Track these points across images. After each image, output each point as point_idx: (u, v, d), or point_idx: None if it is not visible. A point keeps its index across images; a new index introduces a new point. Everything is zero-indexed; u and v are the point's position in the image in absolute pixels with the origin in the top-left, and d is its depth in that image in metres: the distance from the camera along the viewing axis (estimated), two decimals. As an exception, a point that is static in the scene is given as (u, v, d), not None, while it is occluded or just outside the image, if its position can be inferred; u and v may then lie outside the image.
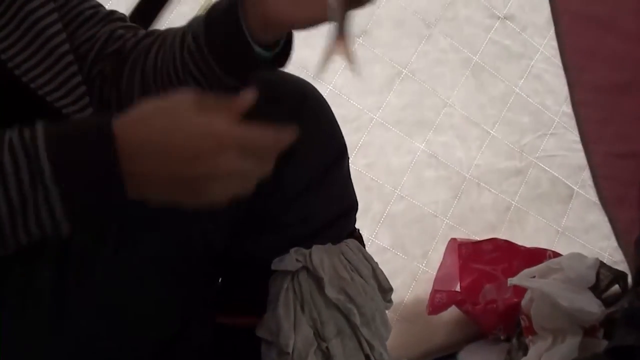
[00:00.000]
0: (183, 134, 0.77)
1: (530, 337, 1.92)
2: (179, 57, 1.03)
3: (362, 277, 1.15)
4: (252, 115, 1.13)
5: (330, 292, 1.08)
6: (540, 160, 2.37)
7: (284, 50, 1.05)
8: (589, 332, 1.86)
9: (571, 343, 1.81)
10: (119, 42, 1.12)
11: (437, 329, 2.14)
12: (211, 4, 1.01)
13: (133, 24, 1.18)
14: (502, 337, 2.09)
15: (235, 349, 1.23)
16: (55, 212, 0.76)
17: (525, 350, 1.91)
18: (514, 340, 1.99)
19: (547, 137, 2.38)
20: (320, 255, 1.10)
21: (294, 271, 1.10)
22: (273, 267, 1.09)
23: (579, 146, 2.42)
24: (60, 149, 0.76)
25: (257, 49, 0.99)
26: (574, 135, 2.41)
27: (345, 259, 1.14)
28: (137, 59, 1.09)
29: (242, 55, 0.99)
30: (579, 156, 2.41)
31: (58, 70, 1.01)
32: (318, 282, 1.09)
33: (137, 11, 1.91)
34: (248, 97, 0.83)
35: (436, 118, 2.24)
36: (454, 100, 2.25)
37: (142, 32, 1.15)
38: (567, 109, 2.40)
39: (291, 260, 1.09)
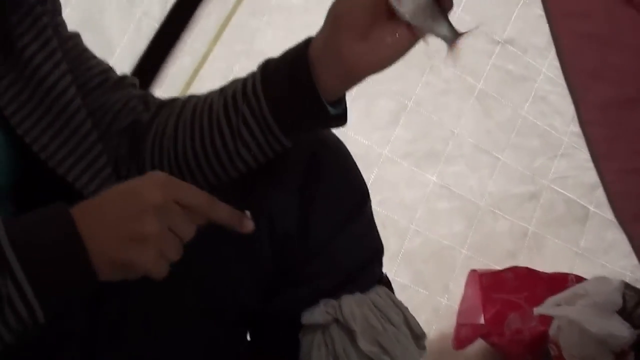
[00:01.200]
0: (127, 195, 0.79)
1: (560, 366, 1.89)
2: (225, 123, 0.99)
3: (393, 325, 1.12)
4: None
5: (364, 344, 1.05)
6: (553, 182, 2.35)
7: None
8: (620, 356, 1.83)
9: (603, 369, 1.78)
10: (133, 114, 1.09)
11: (464, 364, 2.11)
12: (265, 63, 0.98)
13: (145, 92, 1.14)
14: (531, 368, 2.06)
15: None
16: (28, 299, 0.76)
17: (556, 380, 1.88)
18: (544, 370, 1.96)
19: (558, 158, 2.36)
20: (351, 306, 1.07)
21: (325, 324, 1.07)
22: (303, 321, 1.06)
23: (591, 165, 2.39)
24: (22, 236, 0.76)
25: (330, 107, 0.96)
26: (585, 154, 2.38)
27: (376, 307, 1.11)
28: (157, 140, 1.07)
29: (313, 114, 0.96)
30: (592, 175, 2.39)
31: (82, 153, 0.99)
32: (350, 334, 1.06)
33: (140, 65, 1.91)
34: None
35: (445, 148, 2.22)
36: (461, 129, 2.23)
37: (154, 101, 1.12)
38: (576, 128, 2.37)
39: (321, 312, 1.06)
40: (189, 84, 1.98)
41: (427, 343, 2.04)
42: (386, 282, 1.18)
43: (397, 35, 0.90)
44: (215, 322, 1.07)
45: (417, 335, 1.14)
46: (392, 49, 0.92)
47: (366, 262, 1.15)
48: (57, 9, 1.05)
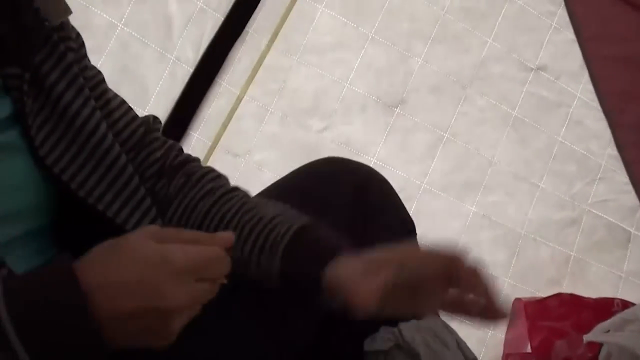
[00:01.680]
0: (138, 267, 0.72)
1: (613, 392, 1.86)
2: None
3: (449, 349, 1.12)
4: (317, 195, 1.13)
5: (428, 366, 1.05)
6: (592, 206, 2.33)
7: None
8: (674, 379, 1.80)
9: (657, 393, 1.75)
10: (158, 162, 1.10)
11: (514, 394, 2.08)
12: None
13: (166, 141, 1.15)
14: (583, 396, 2.03)
15: None
16: None
17: (610, 406, 1.85)
18: (597, 398, 1.93)
19: (597, 182, 2.35)
20: (411, 331, 1.08)
21: (387, 350, 1.07)
22: (366, 348, 1.07)
23: (630, 187, 2.38)
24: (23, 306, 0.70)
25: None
26: (623, 177, 2.37)
27: (433, 332, 1.12)
28: (184, 212, 1.07)
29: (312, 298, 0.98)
30: (631, 197, 2.37)
31: (119, 187, 0.99)
32: (413, 358, 1.06)
33: (176, 110, 1.93)
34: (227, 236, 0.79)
35: (483, 178, 2.22)
36: (498, 158, 2.23)
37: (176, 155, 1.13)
38: (613, 151, 2.37)
39: (383, 339, 1.07)
40: (225, 125, 2.00)
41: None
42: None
43: None
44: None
45: (470, 359, 1.15)
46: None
47: None
48: (80, 44, 1.05)
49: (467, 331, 2.06)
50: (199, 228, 1.04)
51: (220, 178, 1.11)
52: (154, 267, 0.71)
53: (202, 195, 1.06)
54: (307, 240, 0.98)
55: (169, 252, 0.72)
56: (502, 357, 2.02)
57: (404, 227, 1.18)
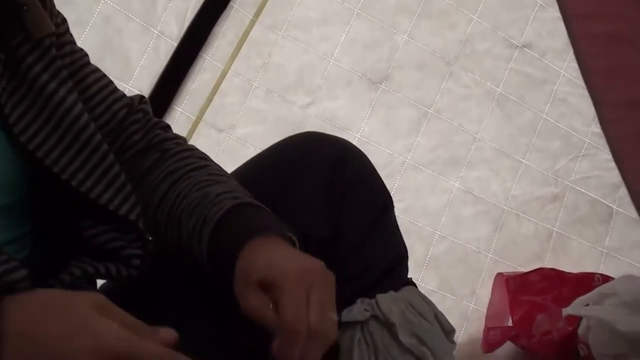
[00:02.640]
0: (66, 331, 0.69)
1: (591, 365, 1.89)
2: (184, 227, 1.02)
3: (427, 320, 1.14)
4: (294, 168, 1.14)
5: (403, 337, 1.07)
6: (575, 183, 2.35)
7: None
8: (651, 354, 1.83)
9: (634, 367, 1.78)
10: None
11: (494, 367, 2.11)
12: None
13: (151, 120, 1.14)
14: (561, 368, 2.05)
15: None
16: None
17: (588, 379, 1.88)
18: (575, 370, 1.96)
19: (580, 159, 2.36)
20: (387, 303, 1.09)
21: (363, 321, 1.08)
22: (343, 319, 1.08)
23: (613, 164, 2.39)
24: None
25: None
26: (606, 154, 2.39)
27: (410, 304, 1.13)
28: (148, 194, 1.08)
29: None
30: (614, 174, 2.39)
31: (94, 162, 0.99)
32: (389, 328, 1.08)
33: (160, 84, 1.93)
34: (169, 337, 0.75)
35: (467, 154, 2.23)
36: (482, 134, 2.24)
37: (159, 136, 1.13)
38: (596, 128, 2.38)
39: (359, 310, 1.08)
40: (209, 99, 2.00)
41: (456, 348, 2.05)
42: (412, 284, 1.21)
43: None
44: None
45: (447, 331, 1.16)
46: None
47: (395, 263, 1.19)
48: (65, 29, 1.05)
49: (449, 305, 2.10)
50: (157, 208, 1.05)
51: (192, 156, 1.11)
52: (81, 339, 0.68)
53: (165, 175, 1.07)
54: (232, 223, 0.97)
55: (103, 329, 0.69)
56: (483, 331, 2.03)
57: (380, 201, 1.19)
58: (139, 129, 1.11)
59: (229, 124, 2.00)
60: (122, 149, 1.10)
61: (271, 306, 0.89)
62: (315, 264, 0.94)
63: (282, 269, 0.90)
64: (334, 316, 0.91)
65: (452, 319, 1.98)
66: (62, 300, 0.73)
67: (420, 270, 2.08)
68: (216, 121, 1.99)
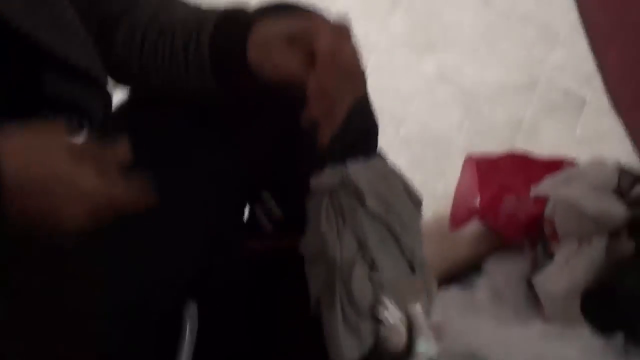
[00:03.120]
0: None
1: (555, 243, 1.93)
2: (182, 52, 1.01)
3: (395, 190, 1.16)
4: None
5: (371, 204, 1.09)
6: (550, 71, 2.35)
7: None
8: (614, 235, 1.86)
9: (598, 246, 1.81)
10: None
11: (460, 244, 2.14)
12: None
13: None
14: (526, 246, 2.10)
15: (273, 272, 1.24)
16: None
17: (551, 256, 1.92)
18: (539, 248, 2.00)
19: (556, 47, 2.36)
20: (357, 170, 1.11)
21: (332, 188, 1.10)
22: (311, 185, 1.10)
23: (588, 54, 2.39)
24: None
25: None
26: (583, 43, 2.38)
27: (379, 173, 1.15)
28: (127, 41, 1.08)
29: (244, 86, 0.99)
30: (589, 64, 2.39)
31: (55, 17, 0.98)
32: (358, 195, 1.10)
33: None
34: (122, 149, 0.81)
35: (442, 37, 2.22)
36: (460, 18, 2.23)
37: None
38: (574, 17, 2.37)
39: (328, 176, 1.10)
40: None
41: (424, 226, 2.09)
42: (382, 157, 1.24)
43: None
44: (214, 188, 1.10)
45: (415, 202, 1.19)
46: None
47: (367, 133, 1.20)
48: None
49: (418, 184, 2.10)
50: (148, 25, 1.06)
51: None
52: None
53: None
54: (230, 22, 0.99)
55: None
56: (451, 210, 2.07)
57: None
58: None
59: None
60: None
61: None
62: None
63: (311, 22, 0.93)
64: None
65: (420, 199, 2.02)
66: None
67: (390, 151, 2.09)
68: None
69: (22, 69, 0.98)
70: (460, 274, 2.13)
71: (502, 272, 2.06)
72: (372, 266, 1.09)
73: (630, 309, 1.44)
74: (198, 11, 1.04)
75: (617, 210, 1.79)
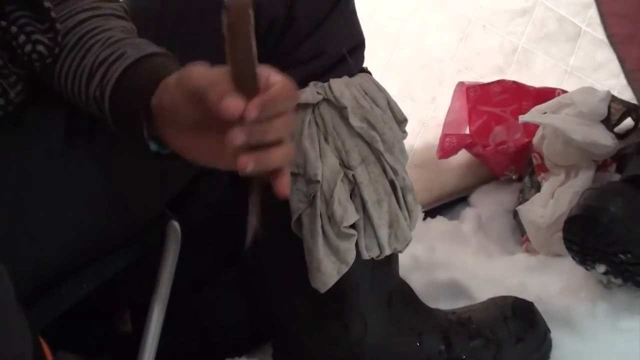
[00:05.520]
0: None
1: (542, 174, 1.92)
2: (84, 93, 0.98)
3: (379, 107, 1.14)
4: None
5: (354, 120, 1.07)
6: (546, -2, 2.31)
7: None
8: (601, 166, 1.86)
9: (584, 177, 1.81)
10: None
11: (448, 173, 2.14)
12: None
13: None
14: (513, 177, 2.09)
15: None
16: None
17: (537, 188, 1.91)
18: (526, 179, 1.99)
19: (553, -27, 2.32)
20: (340, 87, 1.09)
21: (315, 104, 1.08)
22: (295, 100, 1.08)
23: (585, -19, 2.36)
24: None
25: (154, 146, 0.93)
26: (580, -29, 2.34)
27: (363, 90, 1.13)
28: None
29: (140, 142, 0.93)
30: (586, -8, 2.36)
31: None
32: (340, 112, 1.08)
33: None
34: None
35: (439, -41, 2.17)
36: (457, -60, 2.18)
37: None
38: (572, -56, 2.33)
39: (312, 92, 1.08)
40: None
41: (412, 153, 2.09)
42: (368, 73, 1.21)
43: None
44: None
45: (399, 120, 1.17)
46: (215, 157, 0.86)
47: (351, 50, 1.19)
48: None
49: (408, 110, 2.06)
50: (69, 31, 1.02)
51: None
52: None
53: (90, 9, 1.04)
54: (125, 89, 0.94)
55: None
56: (440, 138, 2.05)
57: None
58: None
59: None
60: None
61: None
62: None
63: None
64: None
65: (410, 124, 1.99)
66: None
67: (382, 75, 2.06)
68: None
69: None
70: (447, 204, 2.14)
71: (488, 203, 2.07)
72: (353, 184, 1.08)
73: (612, 236, 1.43)
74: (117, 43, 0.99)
75: (605, 141, 1.78)
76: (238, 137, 0.75)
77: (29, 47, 0.94)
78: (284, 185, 0.81)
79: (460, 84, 2.12)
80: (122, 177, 1.09)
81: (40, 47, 0.95)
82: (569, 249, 1.54)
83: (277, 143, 0.78)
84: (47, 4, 0.95)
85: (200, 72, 0.80)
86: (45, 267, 1.04)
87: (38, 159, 1.02)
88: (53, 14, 0.96)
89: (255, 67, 0.76)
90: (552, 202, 1.79)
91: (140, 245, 1.23)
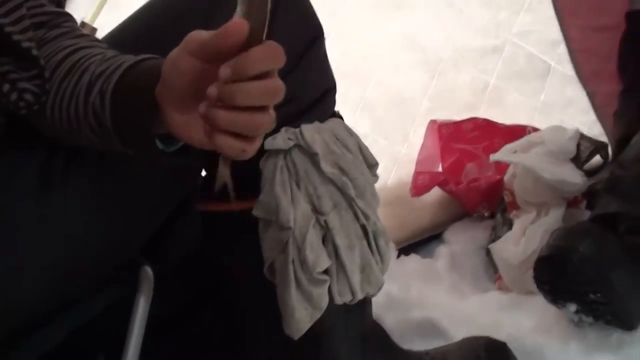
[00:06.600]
0: None
1: (514, 212, 1.94)
2: (82, 109, 0.96)
3: (350, 152, 1.14)
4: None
5: (325, 166, 1.08)
6: (516, 36, 2.34)
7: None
8: (571, 203, 1.88)
9: (555, 214, 1.82)
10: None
11: (421, 211, 2.15)
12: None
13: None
14: (486, 215, 2.11)
15: (227, 233, 1.22)
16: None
17: (509, 225, 1.93)
18: (498, 216, 2.01)
19: (523, 12, 2.35)
20: (311, 132, 1.09)
21: (286, 149, 1.08)
22: (266, 146, 1.08)
23: (554, 20, 2.38)
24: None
25: (161, 145, 0.92)
26: (549, 10, 2.37)
27: (334, 135, 1.14)
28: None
29: (146, 147, 0.92)
30: (555, 30, 2.38)
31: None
32: (312, 158, 1.08)
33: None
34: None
35: (409, -1, 2.20)
36: (426, -21, 2.21)
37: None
38: (540, -18, 2.36)
39: (283, 138, 1.08)
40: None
41: (385, 190, 2.09)
42: (339, 117, 1.22)
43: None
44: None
45: (371, 164, 1.17)
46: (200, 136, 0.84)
47: (322, 95, 1.19)
48: None
49: (381, 148, 2.12)
50: (60, 62, 1.00)
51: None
52: None
53: (76, 41, 1.03)
54: (128, 84, 0.92)
55: None
56: (413, 175, 2.06)
57: (311, 30, 1.17)
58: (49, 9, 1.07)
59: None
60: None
61: None
62: None
63: None
64: None
65: (383, 162, 2.03)
66: None
67: (354, 113, 2.09)
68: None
69: None
70: (421, 241, 2.15)
71: (461, 240, 2.08)
72: (326, 230, 1.08)
73: (582, 276, 1.44)
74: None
75: (575, 179, 1.80)
76: (213, 91, 0.75)
77: (14, 96, 0.93)
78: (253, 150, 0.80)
79: (433, 121, 2.14)
80: (98, 216, 1.09)
81: (28, 95, 0.95)
82: (540, 288, 1.55)
83: (255, 109, 0.77)
84: (34, 52, 0.95)
85: (203, 32, 0.80)
86: (17, 309, 1.04)
87: (13, 199, 1.01)
88: (42, 62, 0.95)
89: (265, 24, 0.76)
90: (524, 240, 1.80)
91: (113, 290, 1.22)
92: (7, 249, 1.00)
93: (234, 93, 0.74)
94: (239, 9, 0.75)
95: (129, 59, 0.94)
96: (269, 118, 0.78)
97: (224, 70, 0.74)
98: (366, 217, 1.12)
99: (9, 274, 1.00)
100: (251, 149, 0.79)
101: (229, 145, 0.77)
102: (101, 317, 1.20)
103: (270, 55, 0.76)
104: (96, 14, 1.79)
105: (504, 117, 2.25)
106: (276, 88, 0.78)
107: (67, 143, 1.02)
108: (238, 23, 0.74)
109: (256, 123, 0.77)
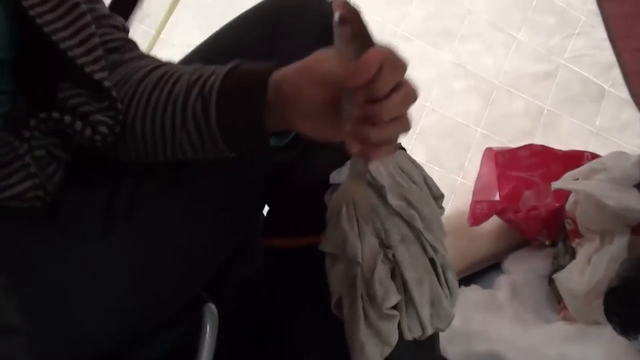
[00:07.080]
0: None
1: (576, 240, 1.89)
2: (179, 115, 0.96)
3: (416, 184, 1.12)
4: (280, 27, 1.10)
5: (392, 199, 1.05)
6: (569, 61, 2.32)
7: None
8: (636, 230, 1.83)
9: (620, 242, 1.78)
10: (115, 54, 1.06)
11: (480, 241, 2.11)
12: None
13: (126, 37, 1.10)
14: (546, 243, 2.06)
15: (293, 270, 1.20)
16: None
17: (572, 253, 1.88)
18: (560, 245, 1.96)
19: (574, 37, 2.32)
20: (377, 166, 1.07)
21: (352, 183, 1.06)
22: (331, 180, 1.06)
23: (607, 44, 2.36)
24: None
25: (273, 142, 0.94)
26: (601, 33, 2.35)
27: (399, 167, 1.11)
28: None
29: (255, 144, 0.93)
30: (608, 54, 2.36)
31: (71, 20, 0.96)
32: (378, 191, 1.06)
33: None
34: None
35: (460, 26, 2.18)
36: (477, 7, 2.19)
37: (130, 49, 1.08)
38: (593, 6, 2.33)
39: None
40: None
41: (443, 220, 2.06)
42: (403, 149, 1.19)
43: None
44: (233, 188, 1.06)
45: (436, 196, 1.15)
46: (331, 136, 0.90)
47: None
48: None
49: (437, 178, 2.07)
50: (140, 82, 1.01)
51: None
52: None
53: (151, 61, 1.03)
54: (234, 81, 0.93)
55: None
56: (470, 205, 2.03)
57: None
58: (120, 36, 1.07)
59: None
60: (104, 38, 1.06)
61: None
62: None
63: None
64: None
65: (439, 192, 1.99)
66: None
67: (409, 143, 2.07)
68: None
69: (40, 72, 0.95)
70: (480, 271, 2.11)
71: (522, 270, 2.04)
72: (394, 264, 1.05)
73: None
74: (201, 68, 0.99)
75: (639, 205, 1.75)
76: (357, 112, 0.81)
77: (88, 132, 0.93)
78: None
79: (488, 149, 2.11)
80: (161, 256, 1.08)
81: (102, 128, 0.94)
82: (610, 320, 1.50)
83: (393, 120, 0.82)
84: (106, 84, 0.95)
85: (326, 60, 0.85)
86: (81, 352, 1.03)
87: (76, 244, 1.01)
88: (114, 93, 0.95)
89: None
90: (589, 269, 1.76)
91: (175, 330, 1.20)
92: (73, 292, 0.99)
93: (379, 113, 0.80)
94: (351, 48, 0.81)
95: (220, 67, 0.94)
96: (407, 120, 0.83)
97: (361, 97, 0.80)
98: (434, 249, 1.09)
99: (73, 316, 0.99)
100: (394, 148, 0.86)
101: (384, 152, 0.83)
102: (165, 358, 1.19)
103: (396, 68, 0.82)
104: (149, 49, 1.81)
105: (560, 142, 2.22)
106: (411, 92, 0.82)
107: (143, 160, 1.02)
108: (366, 64, 0.79)
109: (402, 129, 0.83)
